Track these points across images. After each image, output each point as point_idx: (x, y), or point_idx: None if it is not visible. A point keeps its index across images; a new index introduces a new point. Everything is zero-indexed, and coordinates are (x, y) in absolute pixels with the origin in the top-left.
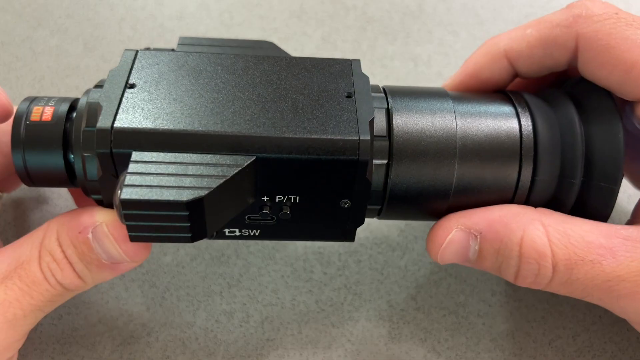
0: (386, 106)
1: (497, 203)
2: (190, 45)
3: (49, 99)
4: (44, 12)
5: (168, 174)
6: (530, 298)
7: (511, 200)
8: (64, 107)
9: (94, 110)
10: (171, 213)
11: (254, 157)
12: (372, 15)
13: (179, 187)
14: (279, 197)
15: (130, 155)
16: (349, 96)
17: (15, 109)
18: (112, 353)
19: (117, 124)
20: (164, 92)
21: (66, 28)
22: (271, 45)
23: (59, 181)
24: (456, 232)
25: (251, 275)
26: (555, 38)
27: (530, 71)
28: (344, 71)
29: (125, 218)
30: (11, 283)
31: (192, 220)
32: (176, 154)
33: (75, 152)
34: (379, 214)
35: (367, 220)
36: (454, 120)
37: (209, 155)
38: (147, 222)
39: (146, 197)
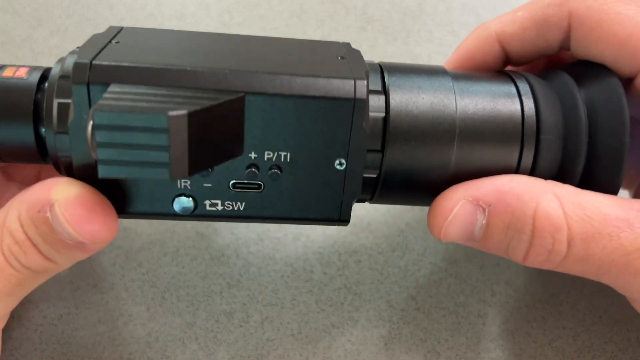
0: (381, 84)
1: None
2: None
3: (18, 68)
4: (44, 12)
5: (148, 100)
6: (530, 298)
7: None
8: (36, 75)
9: (68, 71)
10: (150, 134)
11: (242, 94)
12: (372, 15)
13: (160, 104)
14: (268, 154)
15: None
16: (342, 58)
17: None
18: (112, 353)
19: (96, 61)
20: (148, 43)
21: (66, 28)
22: None
23: (28, 156)
24: (463, 204)
25: (251, 275)
26: (547, 17)
27: (523, 54)
28: (335, 45)
29: (98, 145)
30: None
31: (174, 145)
32: (158, 88)
33: (47, 125)
34: (373, 195)
35: (367, 220)
36: (454, 99)
37: (195, 91)
38: (121, 148)
39: (123, 110)
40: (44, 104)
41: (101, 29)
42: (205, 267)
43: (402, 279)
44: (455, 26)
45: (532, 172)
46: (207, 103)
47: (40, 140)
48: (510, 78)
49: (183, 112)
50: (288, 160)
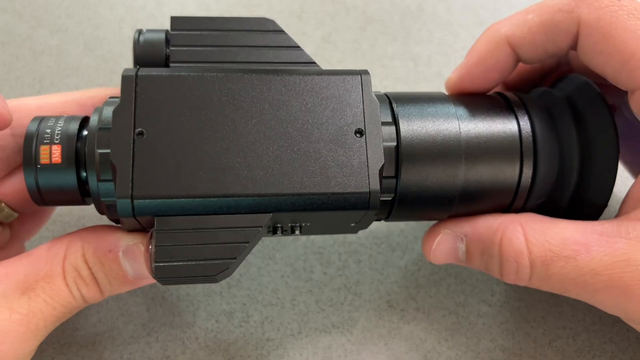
0: (390, 117)
1: (502, 198)
2: (184, 31)
3: (56, 120)
4: (44, 12)
5: (194, 244)
6: (530, 298)
7: (515, 194)
8: (74, 125)
9: (107, 122)
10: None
11: (271, 215)
12: (372, 15)
13: (206, 261)
14: (291, 224)
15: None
16: (358, 132)
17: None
18: (112, 353)
19: (136, 193)
20: (174, 141)
21: (66, 28)
22: (271, 23)
23: (71, 200)
24: (443, 235)
25: (251, 275)
26: (557, 23)
27: (534, 57)
28: (353, 94)
29: (160, 282)
30: (34, 295)
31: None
32: (198, 217)
33: (90, 172)
34: (389, 214)
35: None
36: (457, 124)
37: (229, 217)
38: (180, 281)
39: (178, 275)
40: (85, 152)
41: (101, 29)
42: None
43: (402, 279)
44: (455, 26)
45: (533, 182)
46: (244, 237)
47: (82, 184)
48: (505, 100)
49: (227, 268)
50: (308, 225)
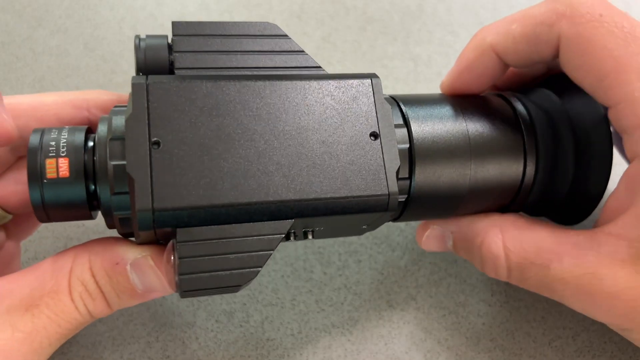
0: (401, 119)
1: (505, 195)
2: (187, 36)
3: (59, 132)
4: (44, 12)
5: (219, 254)
6: (530, 298)
7: (518, 190)
8: (80, 136)
9: (119, 132)
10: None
11: (293, 221)
12: (372, 15)
13: (232, 271)
14: (304, 229)
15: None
16: (373, 135)
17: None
18: (112, 353)
19: (157, 205)
20: (191, 150)
21: (66, 28)
22: (274, 27)
23: (78, 214)
24: (432, 230)
25: None
26: (538, 35)
27: (519, 63)
28: (365, 98)
29: (182, 295)
30: (38, 311)
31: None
32: (220, 226)
33: (102, 185)
34: (400, 214)
35: None
36: (464, 122)
37: (253, 225)
38: (205, 292)
39: (204, 287)
40: (95, 164)
41: (101, 28)
42: None
43: (402, 279)
44: (455, 26)
45: (535, 178)
46: (267, 245)
47: (91, 197)
48: (505, 100)
49: (250, 279)
50: (322, 229)
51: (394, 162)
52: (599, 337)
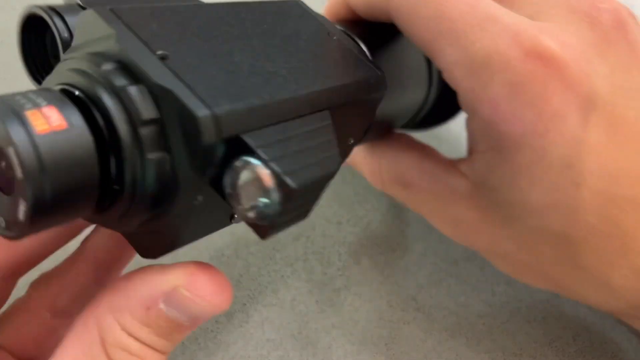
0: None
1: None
2: None
3: (24, 96)
4: None
5: (301, 150)
6: (530, 298)
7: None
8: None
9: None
10: (317, 191)
11: (328, 110)
12: None
13: (316, 162)
14: None
15: (225, 144)
16: (329, 34)
17: None
18: None
19: (217, 110)
20: (201, 58)
21: None
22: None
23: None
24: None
25: (251, 275)
26: (372, 4)
27: (370, 17)
28: (299, 11)
29: (281, 213)
30: None
31: (318, 197)
32: (279, 125)
33: (130, 158)
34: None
35: (367, 220)
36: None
37: (303, 119)
38: (292, 210)
39: (312, 177)
40: (119, 137)
41: None
42: None
43: (402, 279)
44: None
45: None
46: (325, 137)
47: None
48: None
49: (337, 164)
50: None
51: (361, 51)
52: (599, 337)
